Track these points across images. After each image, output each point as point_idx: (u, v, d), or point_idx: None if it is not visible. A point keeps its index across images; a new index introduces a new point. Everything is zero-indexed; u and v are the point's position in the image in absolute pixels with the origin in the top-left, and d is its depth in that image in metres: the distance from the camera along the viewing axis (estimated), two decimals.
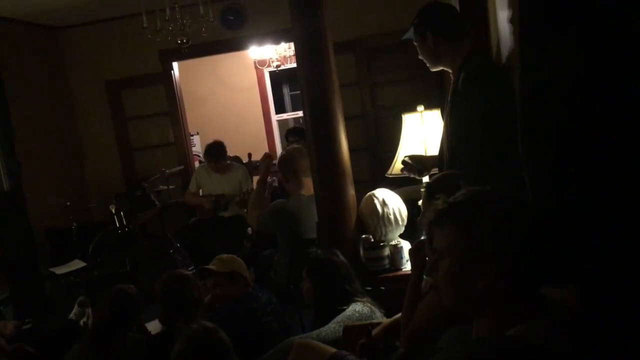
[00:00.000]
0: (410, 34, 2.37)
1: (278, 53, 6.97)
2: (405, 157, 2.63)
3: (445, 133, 2.33)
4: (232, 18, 5.76)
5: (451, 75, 2.29)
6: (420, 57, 2.37)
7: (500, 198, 1.23)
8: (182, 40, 4.56)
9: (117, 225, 5.08)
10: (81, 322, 3.80)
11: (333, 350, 2.08)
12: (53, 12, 5.39)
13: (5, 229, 4.36)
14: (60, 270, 4.72)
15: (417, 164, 2.58)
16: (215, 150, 5.14)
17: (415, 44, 2.36)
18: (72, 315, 4.01)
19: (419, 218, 2.36)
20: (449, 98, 2.26)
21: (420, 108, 2.94)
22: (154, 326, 3.44)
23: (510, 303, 1.16)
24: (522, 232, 1.17)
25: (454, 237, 1.21)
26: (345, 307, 2.47)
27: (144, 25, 4.43)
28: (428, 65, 2.37)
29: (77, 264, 4.80)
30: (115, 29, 5.91)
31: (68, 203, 5.17)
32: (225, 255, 2.99)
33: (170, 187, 5.48)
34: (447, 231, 1.23)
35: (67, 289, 4.56)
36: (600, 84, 1.14)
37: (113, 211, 5.08)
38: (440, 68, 2.37)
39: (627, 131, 1.12)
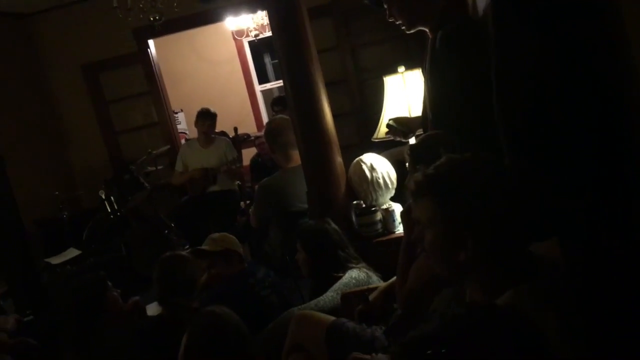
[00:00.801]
0: None
1: (255, 22, 6.83)
2: (390, 120, 2.59)
3: (427, 93, 2.29)
4: None
5: (428, 34, 2.23)
6: (390, 19, 2.24)
7: (477, 166, 1.24)
8: (154, 17, 4.45)
9: (109, 211, 5.05)
10: None
11: (332, 318, 2.09)
12: None
13: None
14: (55, 260, 4.71)
15: (401, 126, 2.54)
16: (205, 111, 5.17)
17: (385, 6, 2.24)
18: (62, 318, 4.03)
19: (406, 181, 2.35)
20: (427, 58, 2.21)
21: (401, 69, 2.90)
22: (153, 309, 3.45)
23: (496, 268, 1.18)
24: (500, 200, 1.18)
25: (432, 210, 1.23)
26: (341, 274, 2.48)
27: (114, 4, 4.32)
28: (403, 27, 2.26)
29: (72, 253, 4.79)
30: (86, 11, 5.76)
31: (56, 192, 5.13)
32: (216, 234, 2.98)
33: (159, 167, 5.44)
34: (425, 204, 1.25)
35: (64, 279, 4.56)
36: (575, 37, 1.12)
37: (103, 197, 5.04)
38: (417, 29, 2.30)
39: (601, 83, 1.11)
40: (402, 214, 2.08)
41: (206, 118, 5.16)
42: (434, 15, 2.13)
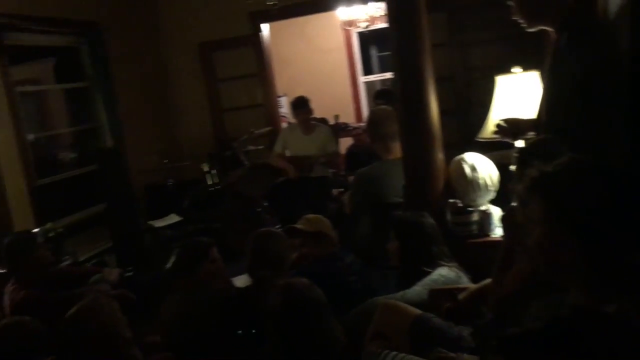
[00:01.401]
0: None
1: (367, 13, 6.83)
2: (500, 119, 2.52)
3: (544, 96, 2.21)
4: None
5: (552, 34, 2.14)
6: (514, 17, 2.17)
7: (593, 172, 1.20)
8: (272, 2, 4.58)
9: (209, 183, 5.29)
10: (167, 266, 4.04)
11: (418, 312, 2.09)
12: None
13: (108, 183, 4.66)
14: (158, 223, 5.01)
15: (512, 127, 2.47)
16: (297, 100, 5.22)
17: (509, 2, 2.19)
18: (169, 266, 4.26)
19: (511, 184, 2.29)
20: (550, 58, 2.12)
21: (516, 70, 2.81)
22: (242, 280, 3.59)
23: (602, 274, 1.13)
24: (615, 206, 1.13)
25: (543, 208, 1.20)
26: (430, 270, 2.47)
27: None
28: (525, 24, 2.17)
29: (173, 218, 5.07)
30: None
31: (165, 161, 5.45)
32: (312, 215, 3.05)
33: (259, 147, 5.61)
34: (537, 202, 1.22)
35: (164, 242, 4.83)
36: None
37: (205, 170, 5.29)
38: (539, 28, 2.21)
39: None
40: (504, 217, 2.04)
41: (297, 107, 5.22)
42: (561, 15, 2.05)
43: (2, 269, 3.15)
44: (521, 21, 2.13)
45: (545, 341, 0.84)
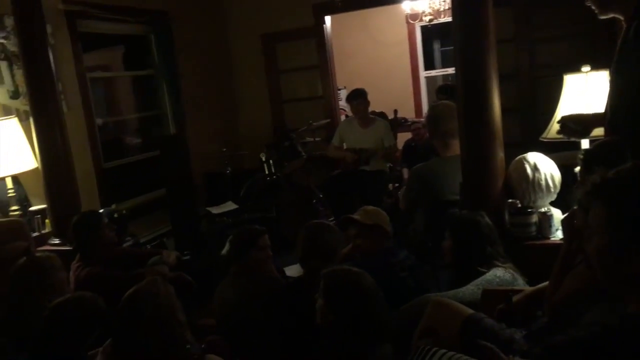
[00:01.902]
0: None
1: (431, 7, 6.73)
2: (563, 116, 2.42)
3: (609, 92, 2.11)
4: None
5: (623, 23, 2.02)
6: (587, 2, 2.07)
7: None
8: None
9: (266, 173, 5.37)
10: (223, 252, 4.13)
11: (470, 311, 2.06)
12: None
13: (170, 169, 4.81)
14: (215, 210, 5.13)
15: (577, 125, 2.36)
16: (354, 92, 5.20)
17: None
18: (224, 252, 4.36)
19: (575, 186, 2.22)
20: (617, 50, 2.01)
21: (586, 68, 2.71)
22: (293, 270, 3.64)
23: None
24: None
25: (605, 216, 1.17)
26: (485, 270, 2.42)
27: None
28: (596, 11, 2.07)
29: (230, 206, 5.18)
30: None
31: (224, 149, 5.57)
32: (370, 207, 3.03)
33: (317, 139, 5.65)
34: (599, 208, 1.18)
35: (221, 228, 4.94)
36: None
37: (263, 159, 5.37)
38: (611, 15, 2.06)
39: None
40: (565, 220, 1.97)
41: (356, 99, 5.19)
42: (632, 3, 1.92)
43: (69, 247, 3.31)
44: (593, 7, 2.03)
45: (590, 351, 0.81)
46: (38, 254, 2.69)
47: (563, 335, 1.02)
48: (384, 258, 2.78)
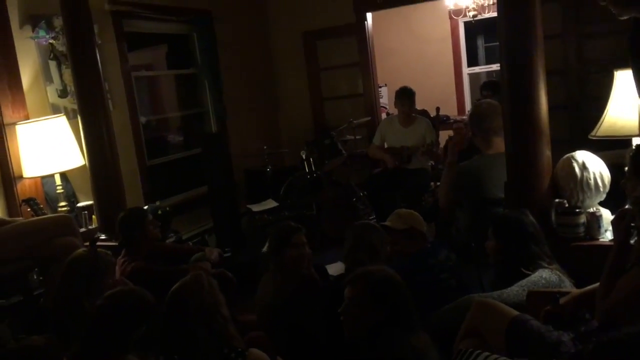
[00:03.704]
0: None
1: (475, 2, 6.62)
2: None
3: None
4: None
5: None
6: (603, 2, 1.96)
7: None
8: None
9: (306, 171, 5.38)
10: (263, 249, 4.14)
11: (515, 312, 2.01)
12: None
13: (211, 166, 4.86)
14: (255, 207, 5.17)
15: None
16: (404, 91, 5.12)
17: None
18: (264, 249, 4.38)
19: (622, 181, 2.14)
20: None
21: None
22: (335, 268, 3.63)
23: None
24: None
25: None
26: (529, 272, 2.36)
27: None
28: (614, 11, 1.97)
29: (270, 204, 5.20)
30: None
31: (265, 147, 5.60)
32: (403, 210, 3.01)
33: (357, 137, 5.63)
34: None
35: (261, 225, 4.98)
36: None
37: (303, 157, 5.37)
38: (632, 15, 1.98)
39: None
40: (615, 220, 1.91)
41: (403, 98, 5.11)
42: None
43: (115, 242, 3.38)
44: (606, 5, 1.94)
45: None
46: (100, 250, 2.74)
47: (617, 332, 0.97)
48: (422, 260, 2.74)
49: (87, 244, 3.05)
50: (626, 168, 2.18)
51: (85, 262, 2.58)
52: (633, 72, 2.05)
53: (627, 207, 2.05)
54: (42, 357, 1.85)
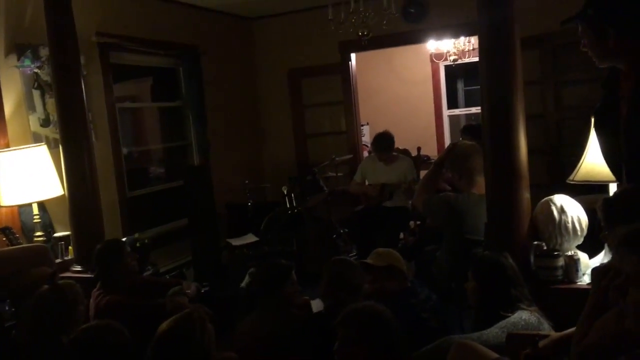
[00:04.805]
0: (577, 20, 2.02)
1: (456, 47, 6.81)
2: None
3: (624, 142, 2.08)
4: (413, 11, 5.77)
5: (629, 73, 1.98)
6: (584, 49, 2.06)
7: None
8: (363, 33, 4.67)
9: (288, 206, 5.37)
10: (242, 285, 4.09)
11: (495, 355, 2.01)
12: (247, 3, 5.83)
13: (193, 199, 4.84)
14: (235, 242, 5.13)
15: None
16: (384, 142, 5.16)
17: (581, 34, 2.04)
18: (243, 284, 4.34)
19: (601, 234, 2.17)
20: (627, 103, 1.99)
21: None
22: (314, 305, 3.60)
23: None
24: None
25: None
26: (509, 314, 2.37)
27: (329, 17, 4.60)
28: (595, 60, 2.06)
29: (251, 238, 5.17)
30: (301, 20, 6.24)
31: (247, 181, 5.60)
32: (382, 249, 3.02)
33: (339, 174, 5.67)
34: (634, 259, 1.19)
35: (241, 260, 4.93)
36: None
37: (285, 192, 5.36)
38: (611, 64, 2.06)
39: None
40: (594, 273, 1.92)
41: (380, 149, 5.12)
42: (634, 52, 1.90)
43: (91, 274, 3.32)
44: (591, 55, 2.02)
45: None
46: (61, 282, 2.70)
47: None
48: (403, 299, 2.74)
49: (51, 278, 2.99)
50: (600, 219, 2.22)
51: (50, 299, 2.53)
52: (600, 144, 2.10)
53: (607, 262, 2.08)
54: None
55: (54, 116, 4.01)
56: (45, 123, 4.12)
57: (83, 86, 3.71)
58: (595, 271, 1.91)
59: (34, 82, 4.06)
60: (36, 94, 4.08)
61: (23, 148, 3.67)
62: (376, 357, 1.94)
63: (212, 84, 5.79)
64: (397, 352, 1.96)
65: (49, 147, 3.87)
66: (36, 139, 4.04)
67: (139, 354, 2.00)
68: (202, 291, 3.65)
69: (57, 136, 3.85)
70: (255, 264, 4.55)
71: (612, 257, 1.68)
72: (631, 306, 1.17)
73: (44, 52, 3.99)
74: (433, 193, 3.39)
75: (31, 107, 4.05)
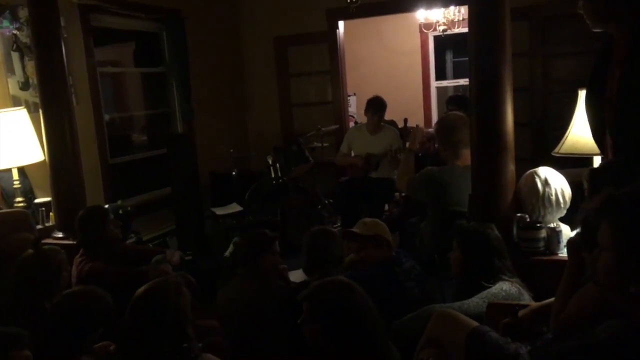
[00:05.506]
0: None
1: (446, 17, 6.73)
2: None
3: (611, 112, 2.08)
4: None
5: (618, 40, 2.00)
6: (580, 11, 2.10)
7: None
8: (352, 0, 4.58)
9: (272, 176, 5.35)
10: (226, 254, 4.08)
11: (475, 324, 2.03)
12: None
13: (176, 168, 4.80)
14: (220, 211, 5.11)
15: None
16: (381, 104, 5.17)
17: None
18: (227, 254, 4.34)
19: (582, 205, 2.19)
20: (617, 71, 1.99)
21: None
22: (297, 275, 3.61)
23: None
24: None
25: (610, 234, 1.19)
26: (491, 285, 2.39)
27: None
28: (588, 22, 2.10)
29: (235, 208, 5.16)
30: None
31: (231, 150, 5.55)
32: (368, 219, 3.02)
33: (325, 144, 5.63)
34: (605, 227, 1.21)
35: (224, 230, 4.92)
36: None
37: (270, 162, 5.34)
38: (602, 30, 2.09)
39: None
40: (570, 243, 1.94)
41: (376, 108, 5.16)
42: (631, 20, 1.92)
43: (73, 241, 3.29)
44: (586, 18, 2.03)
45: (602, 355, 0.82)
46: (46, 247, 2.66)
47: (574, 341, 1.01)
48: (388, 268, 2.75)
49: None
50: (585, 189, 2.23)
51: (35, 265, 2.50)
52: (588, 115, 2.10)
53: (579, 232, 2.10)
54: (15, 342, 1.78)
55: (33, 79, 3.92)
56: (24, 86, 4.03)
57: (64, 49, 3.62)
58: (571, 242, 1.93)
59: (13, 44, 3.95)
60: (15, 56, 3.97)
61: (2, 112, 3.59)
62: (335, 339, 1.92)
63: (196, 50, 5.68)
64: (364, 334, 1.93)
65: (29, 111, 3.79)
66: (15, 102, 3.95)
67: (121, 321, 1.99)
68: (186, 259, 3.64)
69: (37, 100, 3.77)
70: (239, 234, 4.54)
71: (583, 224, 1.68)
72: (601, 270, 1.19)
73: (23, 13, 3.88)
74: (413, 174, 3.41)
75: (10, 70, 3.95)
